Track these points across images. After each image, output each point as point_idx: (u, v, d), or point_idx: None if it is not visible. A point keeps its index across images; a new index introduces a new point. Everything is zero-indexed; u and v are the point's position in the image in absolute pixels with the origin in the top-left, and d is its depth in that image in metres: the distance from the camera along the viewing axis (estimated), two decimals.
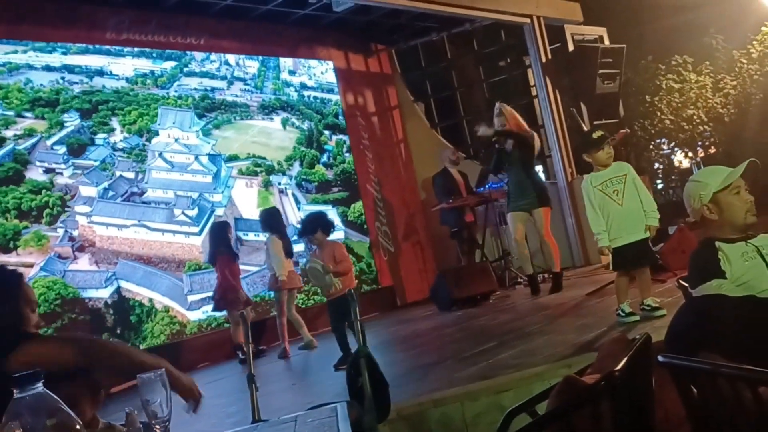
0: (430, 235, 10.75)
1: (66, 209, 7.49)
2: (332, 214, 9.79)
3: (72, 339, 2.54)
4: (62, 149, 7.67)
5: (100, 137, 7.98)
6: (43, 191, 7.37)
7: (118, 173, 8.00)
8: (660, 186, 14.49)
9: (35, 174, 7.41)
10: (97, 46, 8.20)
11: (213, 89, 9.20)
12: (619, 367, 1.82)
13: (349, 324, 5.36)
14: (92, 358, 2.24)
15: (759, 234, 2.86)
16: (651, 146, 12.32)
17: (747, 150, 10.31)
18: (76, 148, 7.78)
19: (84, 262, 7.50)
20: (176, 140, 8.61)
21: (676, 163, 13.63)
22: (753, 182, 2.96)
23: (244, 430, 2.51)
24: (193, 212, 8.45)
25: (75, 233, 7.52)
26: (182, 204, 8.40)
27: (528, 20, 10.09)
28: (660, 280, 6.42)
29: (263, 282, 8.53)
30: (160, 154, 8.42)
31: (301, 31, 10.10)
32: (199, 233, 8.30)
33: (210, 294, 7.83)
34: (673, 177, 14.01)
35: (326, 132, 10.28)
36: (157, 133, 8.45)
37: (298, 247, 8.28)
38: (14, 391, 1.38)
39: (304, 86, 10.27)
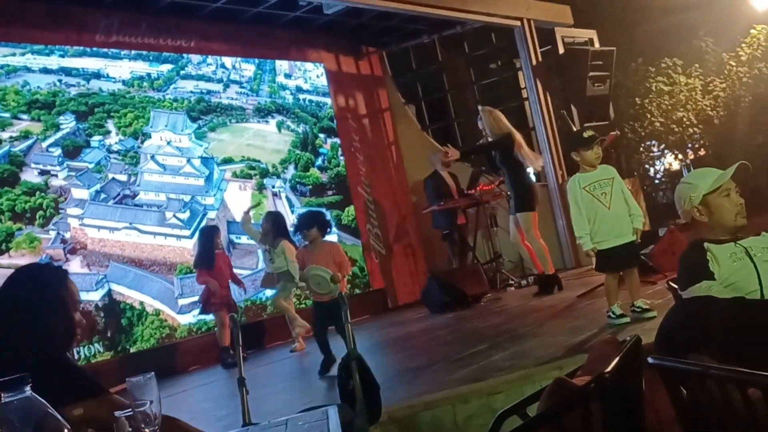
0: (422, 237, 10.75)
1: (60, 211, 7.48)
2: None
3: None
4: (57, 151, 7.65)
5: (95, 139, 7.97)
6: (38, 193, 7.35)
7: (110, 176, 7.97)
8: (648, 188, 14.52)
9: (30, 176, 7.39)
10: (94, 48, 8.18)
11: (209, 92, 9.19)
12: (609, 368, 1.82)
13: (338, 328, 5.35)
14: None
15: (749, 236, 2.86)
16: (641, 148, 12.35)
17: (737, 152, 10.35)
18: (72, 150, 7.76)
19: (75, 265, 7.47)
20: (168, 143, 8.59)
21: (666, 165, 13.67)
22: (743, 185, 2.97)
23: None
24: (185, 215, 8.43)
25: (67, 235, 7.50)
26: (174, 207, 8.37)
27: (518, 23, 10.12)
28: (650, 282, 6.44)
29: (254, 286, 8.52)
30: (152, 157, 8.39)
31: (292, 34, 10.09)
32: (191, 236, 8.28)
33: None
34: (663, 179, 14.05)
35: (321, 135, 10.27)
36: (149, 136, 8.44)
37: None
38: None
39: (299, 89, 10.26)
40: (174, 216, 8.33)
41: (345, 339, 5.26)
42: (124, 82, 8.39)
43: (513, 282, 8.84)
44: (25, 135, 7.46)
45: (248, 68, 9.80)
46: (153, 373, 1.80)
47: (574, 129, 8.63)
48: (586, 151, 5.10)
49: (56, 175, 7.58)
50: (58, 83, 7.86)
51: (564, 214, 9.74)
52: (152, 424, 1.74)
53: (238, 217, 8.15)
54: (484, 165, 9.15)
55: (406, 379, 4.73)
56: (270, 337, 8.44)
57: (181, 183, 8.56)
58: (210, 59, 9.38)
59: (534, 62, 10.11)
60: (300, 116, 10.10)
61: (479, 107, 7.91)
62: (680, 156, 12.60)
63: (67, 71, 7.96)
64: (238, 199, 8.97)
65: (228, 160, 9.07)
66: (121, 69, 8.41)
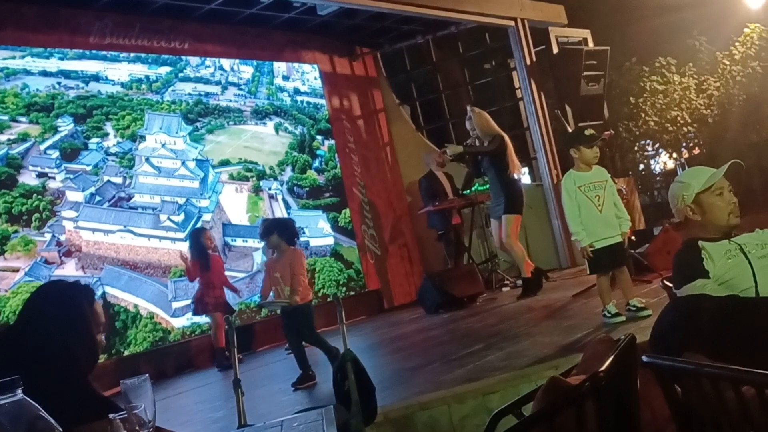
0: (417, 237, 10.75)
1: (55, 214, 7.46)
2: (322, 219, 9.79)
3: None
4: (55, 153, 7.65)
5: (93, 142, 7.95)
6: (34, 195, 7.34)
7: (105, 178, 7.96)
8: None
9: (28, 178, 7.39)
10: (93, 51, 8.17)
11: (207, 94, 9.18)
12: (603, 367, 1.82)
13: (304, 337, 5.30)
14: None
15: (743, 233, 2.86)
16: (636, 147, 12.38)
17: (730, 150, 10.39)
18: (69, 153, 7.76)
19: (70, 268, 7.45)
20: (163, 145, 8.58)
21: (661, 164, 13.71)
22: (736, 183, 2.97)
23: None
24: (179, 218, 8.41)
25: (62, 238, 7.48)
26: (168, 209, 8.36)
27: (512, 23, 10.12)
28: (645, 281, 6.45)
29: (249, 289, 8.50)
30: (147, 159, 8.38)
31: (286, 35, 10.08)
32: (185, 239, 8.27)
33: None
34: (658, 178, 14.08)
35: (319, 137, 10.27)
36: (144, 138, 8.42)
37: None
38: None
39: (297, 91, 10.26)
40: (168, 218, 8.32)
41: (320, 346, 5.26)
42: (122, 85, 8.39)
43: (508, 282, 8.83)
44: (23, 137, 7.46)
45: (246, 70, 9.80)
46: (147, 375, 1.80)
47: (569, 129, 8.65)
48: (586, 149, 5.11)
49: (54, 178, 7.57)
50: (57, 86, 7.85)
51: (559, 214, 9.73)
52: (146, 427, 1.73)
53: (234, 220, 8.12)
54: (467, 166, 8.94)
55: (402, 379, 4.73)
56: (264, 340, 8.43)
57: (176, 185, 8.55)
58: (208, 61, 9.38)
59: (528, 62, 10.12)
60: (297, 118, 10.10)
61: (468, 107, 7.92)
62: (675, 155, 12.64)
63: (66, 74, 7.95)
64: (235, 201, 8.97)
65: (225, 162, 9.06)
66: (119, 71, 8.41)
